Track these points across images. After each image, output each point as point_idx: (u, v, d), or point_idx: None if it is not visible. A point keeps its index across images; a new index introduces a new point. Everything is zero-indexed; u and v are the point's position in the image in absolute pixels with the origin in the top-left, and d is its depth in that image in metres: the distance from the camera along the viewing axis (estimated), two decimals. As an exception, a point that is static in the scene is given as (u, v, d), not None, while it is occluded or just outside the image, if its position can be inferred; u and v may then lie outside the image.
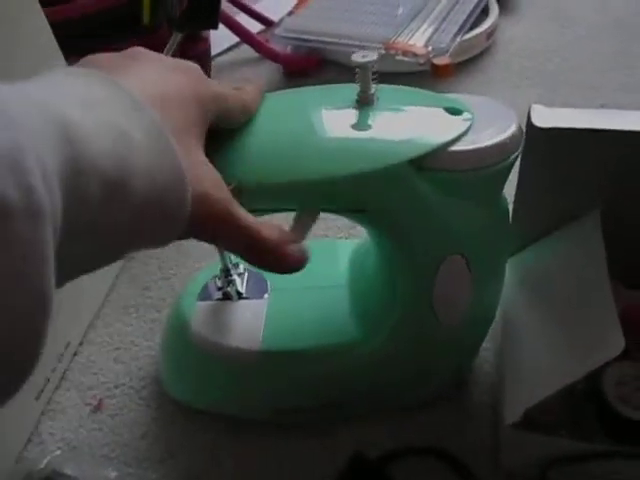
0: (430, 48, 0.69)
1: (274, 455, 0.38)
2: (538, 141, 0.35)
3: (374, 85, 0.31)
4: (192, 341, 0.38)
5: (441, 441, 0.37)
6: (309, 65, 0.77)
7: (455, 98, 0.33)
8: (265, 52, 0.78)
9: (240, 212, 0.26)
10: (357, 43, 0.70)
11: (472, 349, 0.40)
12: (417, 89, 0.34)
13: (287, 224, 0.30)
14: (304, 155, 0.29)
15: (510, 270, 0.39)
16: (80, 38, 0.50)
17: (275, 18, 0.88)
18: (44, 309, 0.17)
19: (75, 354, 0.46)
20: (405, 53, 0.68)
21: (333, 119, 0.31)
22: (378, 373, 0.37)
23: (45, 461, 0.36)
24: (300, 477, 0.37)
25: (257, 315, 0.39)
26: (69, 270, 0.21)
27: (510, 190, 0.36)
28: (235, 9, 0.83)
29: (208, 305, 0.40)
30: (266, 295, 0.40)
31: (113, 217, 0.20)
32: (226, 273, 0.40)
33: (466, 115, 0.31)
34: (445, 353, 0.38)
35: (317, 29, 0.74)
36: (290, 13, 0.86)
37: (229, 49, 0.86)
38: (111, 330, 0.48)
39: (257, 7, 0.89)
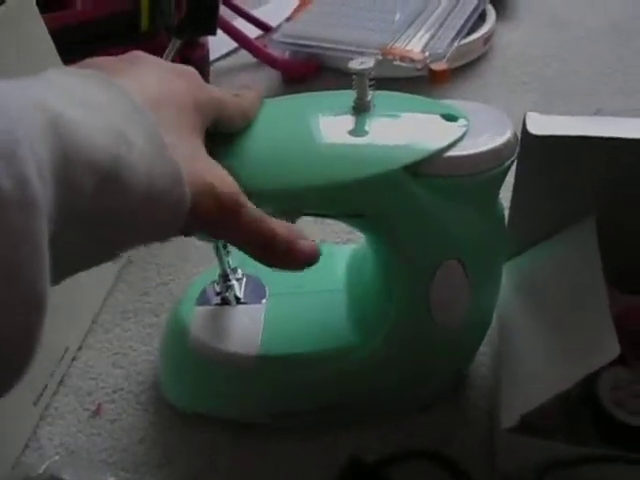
0: (427, 53, 0.69)
1: (272, 459, 0.38)
2: (534, 148, 0.35)
3: (371, 92, 0.31)
4: (190, 346, 0.38)
5: (438, 445, 0.38)
6: (307, 71, 0.77)
7: (451, 104, 0.33)
8: (263, 57, 0.78)
9: (250, 206, 0.25)
10: (355, 49, 0.70)
11: (469, 353, 0.40)
12: (413, 95, 0.34)
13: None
14: (301, 161, 0.30)
15: (506, 275, 0.39)
16: (79, 44, 0.50)
17: (273, 24, 0.89)
18: (37, 302, 0.16)
19: (73, 359, 0.46)
20: (402, 58, 0.68)
21: (330, 125, 0.31)
22: (375, 377, 0.37)
23: (43, 466, 0.36)
24: (298, 481, 0.37)
25: (255, 320, 0.39)
26: (65, 265, 0.20)
27: (506, 196, 0.37)
28: (233, 14, 0.84)
29: (206, 310, 0.40)
30: (264, 300, 0.40)
31: (107, 209, 0.20)
32: (224, 278, 0.40)
33: (462, 122, 0.31)
34: (442, 357, 0.38)
35: (315, 35, 0.74)
36: (288, 19, 0.86)
37: (227, 54, 0.86)
38: (110, 335, 0.48)
39: (255, 13, 0.89)
